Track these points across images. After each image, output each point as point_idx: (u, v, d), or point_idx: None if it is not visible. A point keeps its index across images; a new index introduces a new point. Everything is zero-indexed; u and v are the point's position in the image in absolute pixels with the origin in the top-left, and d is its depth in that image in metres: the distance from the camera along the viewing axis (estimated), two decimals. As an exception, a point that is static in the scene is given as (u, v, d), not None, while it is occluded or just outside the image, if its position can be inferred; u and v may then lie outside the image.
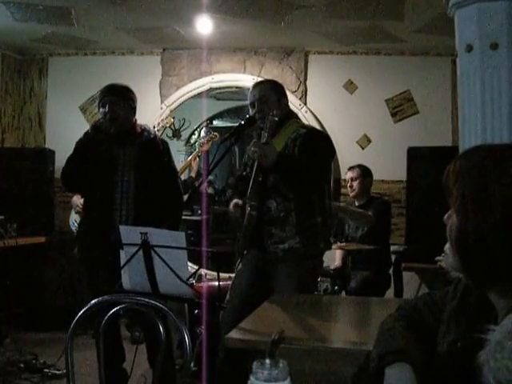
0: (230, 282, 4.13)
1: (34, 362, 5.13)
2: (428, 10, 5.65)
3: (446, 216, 1.56)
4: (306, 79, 7.10)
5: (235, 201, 4.06)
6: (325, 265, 4.99)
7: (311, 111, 6.93)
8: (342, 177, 6.74)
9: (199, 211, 8.01)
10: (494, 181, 1.41)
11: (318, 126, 6.46)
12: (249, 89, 4.11)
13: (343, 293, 5.57)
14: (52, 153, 6.87)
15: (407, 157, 6.23)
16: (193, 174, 7.28)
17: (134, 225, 3.60)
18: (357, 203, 6.03)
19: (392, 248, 6.12)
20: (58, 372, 4.95)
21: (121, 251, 3.14)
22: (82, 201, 4.84)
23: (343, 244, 5.64)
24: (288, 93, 4.36)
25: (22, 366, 5.09)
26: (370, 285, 5.60)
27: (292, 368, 1.27)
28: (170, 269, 2.94)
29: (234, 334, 2.52)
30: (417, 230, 6.05)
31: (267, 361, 1.24)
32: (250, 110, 4.10)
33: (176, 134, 7.75)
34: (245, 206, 3.97)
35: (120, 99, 4.24)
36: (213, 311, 3.82)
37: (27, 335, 5.98)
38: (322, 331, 2.71)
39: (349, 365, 2.06)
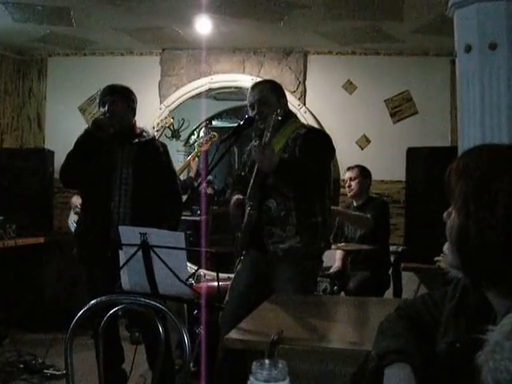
0: (229, 283, 4.12)
1: (33, 362, 5.12)
2: (427, 11, 5.65)
3: (445, 214, 1.56)
4: (305, 79, 7.10)
5: (236, 197, 4.05)
6: (325, 265, 5.00)
7: (310, 111, 6.93)
8: (341, 177, 6.73)
9: (198, 211, 8.02)
10: (497, 182, 1.40)
11: (317, 126, 6.35)
12: (248, 89, 4.12)
13: (342, 293, 5.55)
14: (51, 153, 6.85)
15: (406, 157, 6.26)
16: (192, 174, 7.30)
17: (131, 225, 3.60)
18: (355, 203, 6.01)
19: (391, 248, 6.10)
20: (57, 373, 4.95)
21: (120, 251, 3.13)
22: (81, 201, 4.87)
23: (343, 244, 5.63)
24: (287, 93, 4.36)
25: (22, 366, 5.08)
26: (369, 285, 5.59)
27: (291, 368, 1.28)
28: (170, 269, 2.94)
29: (233, 335, 2.51)
30: (416, 230, 6.11)
31: (266, 361, 1.24)
32: (250, 111, 4.10)
33: (175, 134, 7.75)
34: (245, 205, 3.96)
35: (120, 99, 4.24)
36: (212, 312, 3.84)
37: (26, 336, 5.97)
38: (322, 331, 2.71)
39: (348, 365, 2.06)
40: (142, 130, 4.44)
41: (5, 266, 5.90)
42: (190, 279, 3.59)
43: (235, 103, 8.36)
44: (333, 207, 4.91)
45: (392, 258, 6.09)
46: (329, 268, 5.86)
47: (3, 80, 7.54)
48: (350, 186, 5.98)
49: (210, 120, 8.70)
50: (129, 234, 3.11)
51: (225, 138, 3.83)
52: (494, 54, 3.89)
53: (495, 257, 1.38)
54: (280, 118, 3.84)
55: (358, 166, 6.04)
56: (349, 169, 6.08)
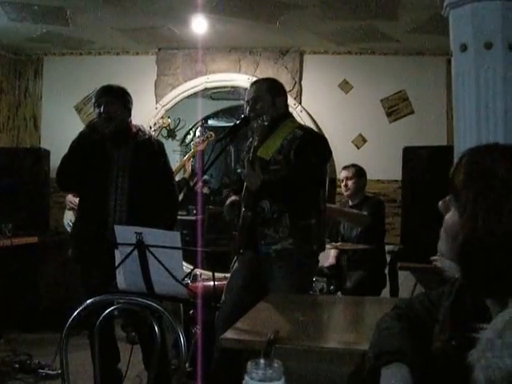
0: (225, 282, 4.13)
1: (28, 362, 5.10)
2: (422, 10, 5.64)
3: (441, 203, 1.53)
4: (301, 79, 7.09)
5: (233, 198, 4.06)
6: (320, 264, 5.01)
7: (306, 111, 6.91)
8: (337, 176, 6.62)
9: (194, 211, 8.00)
10: (509, 190, 1.38)
11: (313, 126, 6.44)
12: (244, 88, 4.14)
13: (339, 293, 5.56)
14: (47, 153, 6.85)
15: (402, 156, 6.21)
16: (186, 175, 7.25)
17: (128, 225, 3.60)
18: (351, 203, 5.99)
19: (387, 248, 6.09)
20: (52, 372, 4.92)
21: (115, 251, 3.12)
22: (76, 199, 4.85)
23: (338, 244, 5.62)
24: (284, 93, 4.58)
25: (17, 366, 5.07)
26: (366, 284, 5.58)
27: (287, 368, 1.27)
28: (165, 269, 2.93)
29: (229, 334, 2.51)
30: (412, 229, 6.06)
31: (261, 360, 1.23)
32: (246, 109, 4.12)
33: (171, 133, 7.74)
34: (240, 205, 3.97)
35: (115, 100, 4.22)
36: (208, 311, 3.82)
37: (22, 335, 5.95)
38: (318, 331, 2.72)
39: (344, 365, 2.06)
40: (138, 129, 4.39)
41: (0, 265, 5.90)
42: (186, 279, 3.57)
43: (231, 103, 8.34)
44: (329, 205, 4.93)
45: (388, 258, 6.08)
46: (322, 266, 5.80)
47: (-1, 79, 7.93)
48: (346, 186, 5.96)
49: (205, 119, 8.68)
50: (124, 233, 3.10)
51: (221, 137, 3.81)
52: (489, 53, 3.88)
53: (498, 268, 1.35)
54: (266, 123, 3.86)
55: (354, 166, 6.02)
56: (345, 168, 6.05)
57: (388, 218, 6.29)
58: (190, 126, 8.36)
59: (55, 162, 4.39)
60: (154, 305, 2.92)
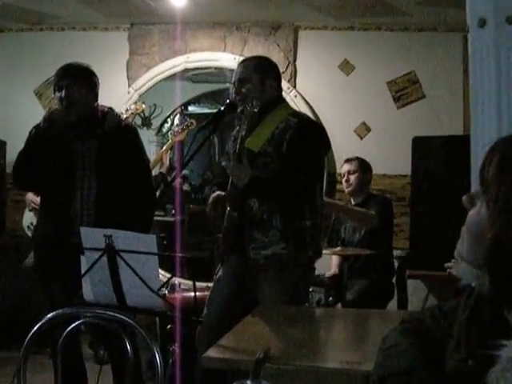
0: (207, 293, 4.12)
1: (-19, 385, 5.37)
2: (436, -21, 5.72)
3: (465, 198, 1.52)
4: (295, 59, 7.04)
5: (217, 193, 4.06)
6: (318, 272, 5.00)
7: (301, 96, 6.87)
8: (338, 171, 6.65)
9: (173, 211, 8.01)
10: None
11: (309, 113, 6.37)
12: (230, 70, 4.14)
13: (339, 305, 5.52)
14: (3, 144, 6.79)
15: (412, 148, 6.20)
16: (163, 170, 7.25)
17: (96, 226, 3.59)
18: (353, 201, 5.94)
19: (395, 253, 6.11)
20: (9, 397, 5.10)
21: (81, 257, 3.10)
22: (38, 199, 4.80)
23: (339, 249, 5.56)
24: (276, 74, 4.58)
25: (-34, 391, 5.36)
26: (370, 295, 5.58)
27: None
28: (139, 277, 2.94)
29: (212, 353, 2.50)
30: (423, 231, 6.07)
31: (248, 382, 1.23)
32: (232, 93, 4.13)
33: (146, 122, 7.72)
34: (225, 203, 4.01)
35: (78, 82, 4.14)
36: (188, 326, 3.82)
37: (-25, 354, 6.31)
38: (314, 349, 2.72)
39: (345, 387, 2.06)
40: (105, 113, 4.32)
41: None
42: (163, 289, 3.58)
43: (215, 86, 8.33)
44: (329, 199, 4.93)
45: (396, 264, 6.10)
46: (323, 275, 5.78)
47: None
48: (347, 181, 5.92)
49: (186, 105, 8.68)
50: (92, 236, 3.11)
51: (203, 125, 3.84)
52: (511, 29, 3.92)
53: None
54: (256, 110, 3.85)
55: (357, 158, 6.00)
56: (347, 161, 6.03)
57: (395, 218, 6.24)
58: (168, 113, 8.36)
59: (12, 154, 4.38)
60: (126, 319, 2.92)
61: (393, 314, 4.37)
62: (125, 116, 6.12)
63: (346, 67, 7.05)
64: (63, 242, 4.02)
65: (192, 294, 4.31)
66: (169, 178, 7.10)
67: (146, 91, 7.27)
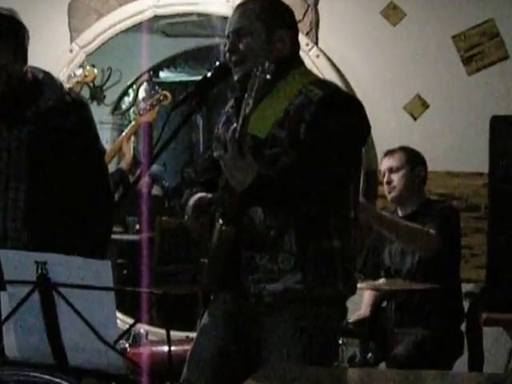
0: (188, 347, 4.02)
1: None
2: None
3: None
4: (317, 1, 7.11)
5: (200, 195, 3.89)
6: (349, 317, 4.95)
7: (326, 56, 6.81)
8: (379, 167, 6.39)
9: (137, 226, 8.00)
10: None
11: (337, 82, 6.11)
12: (221, 17, 4.07)
13: (383, 364, 5.48)
14: None
15: (490, 133, 6.15)
16: (124, 165, 7.18)
17: (25, 249, 3.56)
18: (401, 212, 5.86)
19: (464, 288, 5.92)
20: None
21: (1, 293, 3.08)
22: None
23: (381, 282, 5.44)
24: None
25: None
26: (429, 350, 5.44)
27: None
28: (87, 323, 2.88)
29: None
30: (506, 256, 5.99)
31: None
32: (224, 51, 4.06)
33: (97, 94, 7.67)
34: (214, 213, 3.82)
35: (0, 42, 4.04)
36: (160, 396, 3.79)
37: None
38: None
39: None
40: (40, 82, 4.24)
41: None
42: (123, 341, 3.54)
43: (199, 41, 8.37)
44: (368, 209, 4.88)
45: (466, 305, 5.93)
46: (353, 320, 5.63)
47: None
48: (389, 183, 5.79)
49: (156, 70, 8.70)
50: (18, 263, 3.03)
51: (181, 99, 3.67)
52: None
53: None
54: (269, 77, 3.57)
55: (404, 150, 5.88)
56: (388, 154, 5.94)
57: (465, 236, 6.08)
58: (129, 82, 8.37)
59: None
60: (67, 384, 2.85)
61: (463, 377, 4.23)
62: (68, 86, 6.09)
63: (393, 14, 6.90)
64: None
65: (165, 348, 4.29)
66: (131, 178, 7.07)
67: (96, 49, 7.22)
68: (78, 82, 6.70)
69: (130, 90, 8.21)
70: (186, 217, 3.93)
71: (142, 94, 7.93)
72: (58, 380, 2.93)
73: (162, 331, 5.38)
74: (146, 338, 5.42)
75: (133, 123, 7.01)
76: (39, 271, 2.95)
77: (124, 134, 7.02)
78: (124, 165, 7.02)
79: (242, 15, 3.83)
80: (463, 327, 5.77)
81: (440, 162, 6.38)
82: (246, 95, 3.58)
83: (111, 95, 7.71)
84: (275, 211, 3.74)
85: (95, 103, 7.43)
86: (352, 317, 5.56)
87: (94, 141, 4.32)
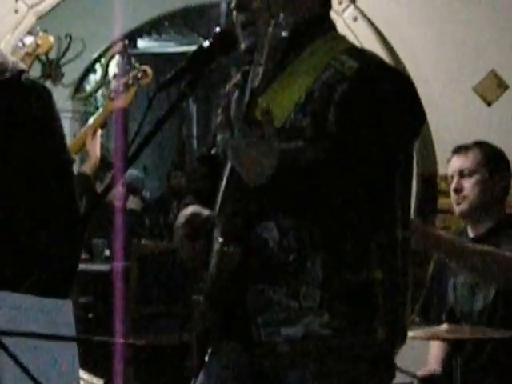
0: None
1: None
2: None
3: None
4: None
5: (194, 209, 3.97)
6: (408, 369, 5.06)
7: (366, 16, 7.02)
8: (441, 172, 6.71)
9: (107, 252, 8.16)
10: None
11: (381, 53, 6.19)
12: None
13: None
14: None
15: None
16: (87, 168, 7.30)
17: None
18: (472, 232, 5.87)
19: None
20: None
21: None
22: None
23: (444, 328, 5.35)
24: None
25: None
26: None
27: None
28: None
29: None
30: None
31: None
32: (223, 17, 4.16)
33: (50, 71, 7.83)
34: (211, 230, 3.84)
35: None
36: None
37: None
38: None
39: None
40: None
41: None
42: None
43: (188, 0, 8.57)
44: (424, 228, 5.02)
45: None
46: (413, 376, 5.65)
47: None
48: (459, 190, 5.84)
49: (131, 38, 8.87)
50: None
51: (168, 79, 3.52)
52: None
53: None
54: (285, 34, 3.74)
55: (480, 146, 5.92)
56: (459, 151, 6.02)
57: None
58: (96, 55, 8.55)
59: None
60: None
61: None
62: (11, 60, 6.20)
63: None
64: None
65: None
66: (98, 187, 7.22)
67: (50, 9, 7.43)
68: (27, 54, 6.79)
69: (97, 66, 8.33)
70: (176, 236, 3.94)
71: (113, 70, 8.06)
72: None
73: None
74: (121, 405, 5.55)
75: (101, 111, 7.13)
76: (-24, 312, 2.97)
77: (88, 125, 7.13)
78: (88, 168, 7.06)
79: None
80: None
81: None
82: (254, 62, 3.72)
83: (71, 72, 7.83)
84: (294, 227, 3.74)
85: (50, 83, 7.56)
86: (419, 373, 5.67)
87: (56, 139, 4.42)
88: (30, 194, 4.07)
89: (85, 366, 3.05)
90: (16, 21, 6.96)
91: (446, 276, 5.77)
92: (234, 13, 3.79)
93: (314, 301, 3.70)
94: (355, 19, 6.63)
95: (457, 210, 5.75)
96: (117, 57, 7.90)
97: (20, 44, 6.56)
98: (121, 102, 6.60)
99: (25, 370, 2.80)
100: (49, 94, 4.20)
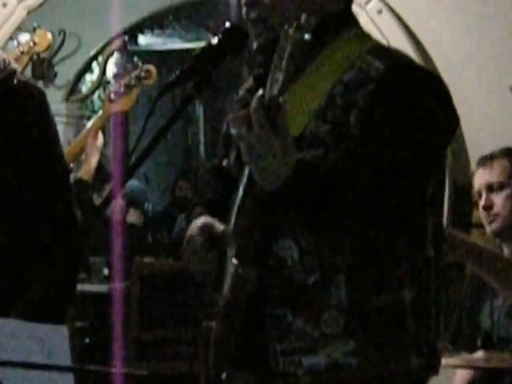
0: None
1: None
2: None
3: None
4: None
5: (205, 220, 3.94)
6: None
7: (392, 11, 7.06)
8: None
9: (105, 271, 8.09)
10: None
11: (409, 51, 6.24)
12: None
13: None
14: None
15: None
16: (84, 175, 7.22)
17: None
18: (507, 250, 5.77)
19: None
20: None
21: None
22: None
23: (479, 355, 5.33)
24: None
25: None
26: None
27: None
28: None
29: None
30: None
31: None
32: (233, 13, 4.08)
33: (42, 69, 7.76)
34: (224, 247, 3.79)
35: None
36: None
37: None
38: None
39: None
40: None
41: None
42: None
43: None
44: (460, 239, 4.89)
45: None
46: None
47: None
48: (488, 208, 5.90)
49: (132, 34, 8.82)
50: None
51: (173, 80, 3.56)
52: None
53: None
54: (308, 37, 3.62)
55: (504, 154, 5.97)
56: (484, 162, 6.05)
57: None
58: (93, 53, 8.49)
59: None
60: None
61: None
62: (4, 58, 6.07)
63: None
64: None
65: None
66: (96, 197, 7.11)
67: (42, 3, 7.49)
68: (23, 54, 6.69)
69: (94, 64, 8.28)
70: (185, 251, 3.91)
71: (111, 69, 7.99)
72: None
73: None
74: None
75: (99, 114, 7.04)
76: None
77: (85, 130, 7.05)
78: (85, 176, 7.02)
79: None
80: None
81: None
82: (273, 67, 3.67)
83: (65, 72, 7.80)
84: (316, 244, 3.73)
85: (42, 84, 7.50)
86: None
87: (52, 145, 4.34)
88: (22, 204, 3.93)
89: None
90: (4, 16, 6.85)
91: (482, 297, 5.50)
92: (245, 8, 3.71)
93: (338, 327, 3.72)
94: (379, 12, 6.61)
95: (488, 229, 5.67)
96: (116, 55, 7.82)
97: (16, 43, 6.44)
98: (121, 105, 6.48)
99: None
100: (43, 96, 4.07)
